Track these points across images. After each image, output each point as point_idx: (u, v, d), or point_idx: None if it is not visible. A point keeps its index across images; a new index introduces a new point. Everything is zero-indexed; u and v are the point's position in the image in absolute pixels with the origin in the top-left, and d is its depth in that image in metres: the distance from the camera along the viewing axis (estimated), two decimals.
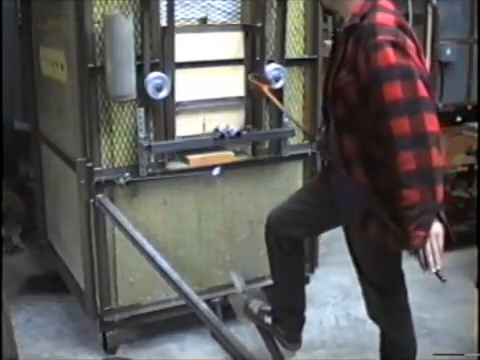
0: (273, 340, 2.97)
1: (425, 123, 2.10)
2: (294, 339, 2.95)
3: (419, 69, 2.17)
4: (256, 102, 3.21)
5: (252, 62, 3.16)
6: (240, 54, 3.16)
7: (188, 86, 3.06)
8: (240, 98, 3.21)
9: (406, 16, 3.89)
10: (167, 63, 2.92)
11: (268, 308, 2.98)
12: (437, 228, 2.14)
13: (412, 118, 2.09)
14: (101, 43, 2.84)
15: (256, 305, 3.02)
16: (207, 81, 3.11)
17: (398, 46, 2.15)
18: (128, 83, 2.83)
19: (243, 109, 3.23)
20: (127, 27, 2.80)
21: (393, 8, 2.30)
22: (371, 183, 2.30)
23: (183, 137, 3.07)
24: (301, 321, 2.94)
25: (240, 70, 3.18)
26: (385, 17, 2.22)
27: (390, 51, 2.13)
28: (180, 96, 3.02)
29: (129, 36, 2.81)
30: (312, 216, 2.66)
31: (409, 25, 2.30)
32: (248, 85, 3.18)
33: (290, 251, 2.78)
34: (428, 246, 2.12)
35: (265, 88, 3.07)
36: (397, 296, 2.60)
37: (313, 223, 2.70)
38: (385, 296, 2.58)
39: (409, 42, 2.20)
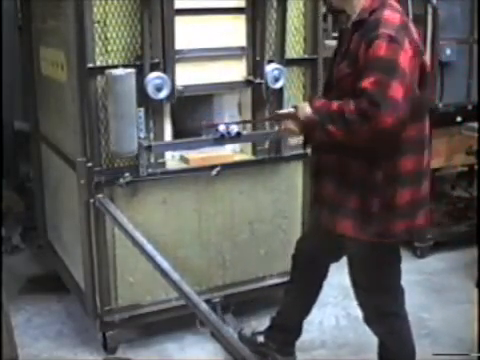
0: None
1: (381, 120, 2.20)
2: (287, 352, 3.00)
3: (410, 70, 2.24)
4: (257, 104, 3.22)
5: (253, 11, 3.11)
6: (241, 3, 3.11)
7: (188, 34, 3.01)
8: (241, 48, 3.16)
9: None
10: (167, 10, 2.88)
11: (260, 330, 3.13)
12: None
13: (375, 108, 2.21)
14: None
15: (248, 330, 3.20)
16: (208, 29, 3.07)
17: (394, 41, 2.23)
18: (130, 140, 2.87)
19: (244, 59, 3.19)
20: (131, 85, 2.81)
21: (400, 8, 2.40)
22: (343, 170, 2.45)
23: (184, 87, 3.01)
24: (294, 338, 3.00)
25: (241, 19, 3.13)
26: (392, 15, 2.32)
27: (383, 44, 2.23)
28: (180, 44, 2.97)
29: (132, 94, 2.82)
30: (323, 239, 2.74)
31: (412, 25, 2.38)
32: (250, 35, 3.14)
33: (312, 282, 2.92)
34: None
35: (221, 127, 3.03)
36: (388, 299, 2.59)
37: (326, 245, 2.77)
38: (376, 299, 2.58)
39: (407, 43, 2.27)
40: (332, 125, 2.31)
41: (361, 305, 2.66)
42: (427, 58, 3.86)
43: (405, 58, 2.23)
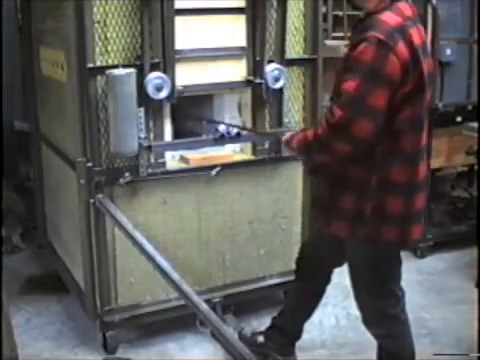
0: None
1: (356, 127, 2.19)
2: (287, 352, 3.01)
3: (397, 77, 2.18)
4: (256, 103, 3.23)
5: (253, 11, 3.10)
6: (241, 3, 3.11)
7: (188, 34, 3.01)
8: (241, 48, 3.16)
9: None
10: (167, 10, 2.87)
11: (260, 330, 3.15)
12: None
13: (351, 114, 2.19)
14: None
15: (249, 331, 3.20)
16: (208, 29, 3.07)
17: (383, 46, 2.17)
18: (130, 140, 2.87)
19: (244, 59, 3.18)
20: (131, 85, 2.81)
21: (407, 13, 2.31)
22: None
23: (183, 87, 3.01)
24: (294, 340, 3.04)
25: (241, 19, 3.13)
26: (390, 16, 2.25)
27: (371, 48, 2.17)
28: (180, 44, 2.97)
29: (132, 94, 2.82)
30: (325, 244, 2.74)
31: (414, 30, 2.30)
32: (250, 35, 3.13)
33: (315, 287, 2.92)
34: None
35: None
36: (388, 302, 2.58)
37: (328, 250, 2.76)
38: (376, 302, 2.57)
39: (401, 47, 2.19)
40: (316, 155, 2.40)
41: (361, 308, 2.65)
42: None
43: (394, 65, 2.17)
